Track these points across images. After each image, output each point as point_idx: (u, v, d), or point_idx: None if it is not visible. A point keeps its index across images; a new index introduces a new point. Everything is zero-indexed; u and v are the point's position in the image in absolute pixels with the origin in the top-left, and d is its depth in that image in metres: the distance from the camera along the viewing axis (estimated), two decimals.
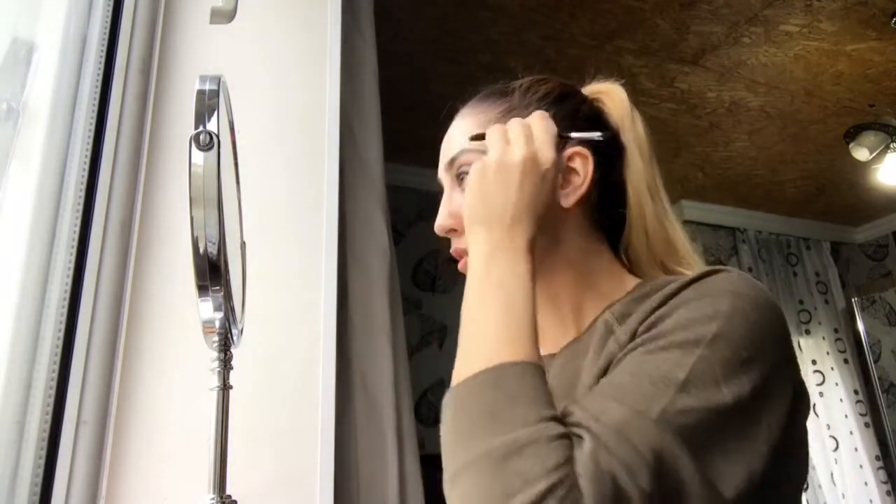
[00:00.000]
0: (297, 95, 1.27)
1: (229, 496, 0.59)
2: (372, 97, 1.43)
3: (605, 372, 0.54)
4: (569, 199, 0.65)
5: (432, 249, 3.06)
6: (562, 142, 0.65)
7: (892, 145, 2.86)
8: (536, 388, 0.48)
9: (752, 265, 3.72)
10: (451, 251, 0.69)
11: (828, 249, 4.03)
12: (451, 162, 0.68)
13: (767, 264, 3.80)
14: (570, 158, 0.65)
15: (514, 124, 0.62)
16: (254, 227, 0.88)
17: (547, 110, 0.66)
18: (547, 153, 0.59)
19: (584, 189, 0.65)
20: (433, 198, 0.73)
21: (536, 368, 0.50)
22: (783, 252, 3.91)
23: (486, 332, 0.52)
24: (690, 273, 0.65)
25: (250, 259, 0.78)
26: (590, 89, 0.75)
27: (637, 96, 2.63)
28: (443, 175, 0.70)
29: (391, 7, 2.06)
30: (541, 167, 0.59)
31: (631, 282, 0.66)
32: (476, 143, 0.66)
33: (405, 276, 2.97)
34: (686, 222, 3.70)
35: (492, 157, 0.59)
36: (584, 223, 0.67)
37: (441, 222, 0.69)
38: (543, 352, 0.67)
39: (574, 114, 0.68)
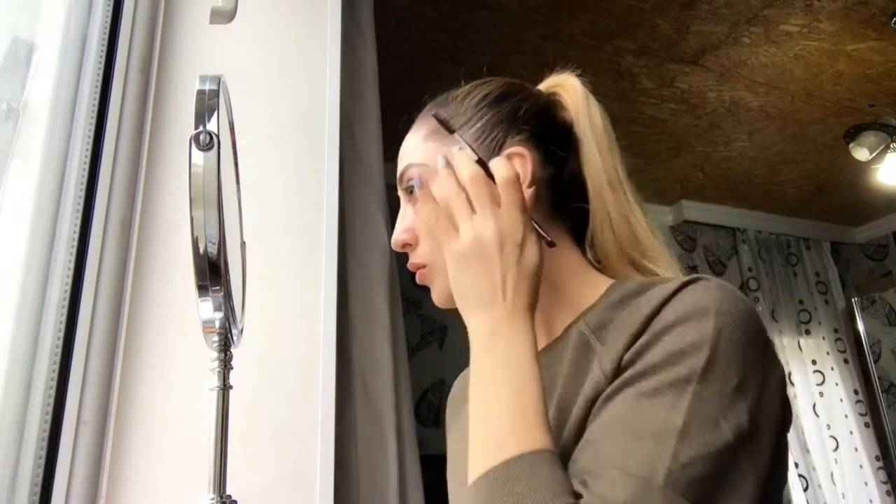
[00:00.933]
0: (297, 95, 1.27)
1: (229, 496, 0.59)
2: (372, 97, 1.43)
3: (592, 402, 0.53)
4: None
5: None
6: (498, 147, 0.65)
7: (892, 145, 2.86)
8: (547, 477, 0.47)
9: (752, 265, 3.72)
10: (408, 265, 0.69)
11: (828, 249, 4.03)
12: (400, 178, 0.69)
13: (767, 264, 3.80)
14: (509, 159, 0.62)
15: (476, 189, 0.57)
16: (254, 227, 0.88)
17: (483, 114, 0.66)
18: (514, 221, 0.57)
19: (529, 190, 0.63)
20: None
21: (546, 455, 0.48)
22: (783, 252, 3.91)
23: (493, 422, 0.51)
24: (660, 271, 0.64)
25: (250, 259, 0.78)
26: (546, 84, 0.74)
27: (637, 96, 2.64)
28: (399, 190, 0.71)
29: (391, 7, 2.06)
30: (515, 236, 0.56)
31: (602, 283, 0.65)
32: (422, 160, 0.66)
33: (405, 276, 2.97)
34: (686, 222, 3.70)
35: (464, 239, 0.57)
36: (542, 224, 0.65)
37: (396, 238, 0.69)
38: None
39: (513, 114, 0.67)
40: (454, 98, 0.69)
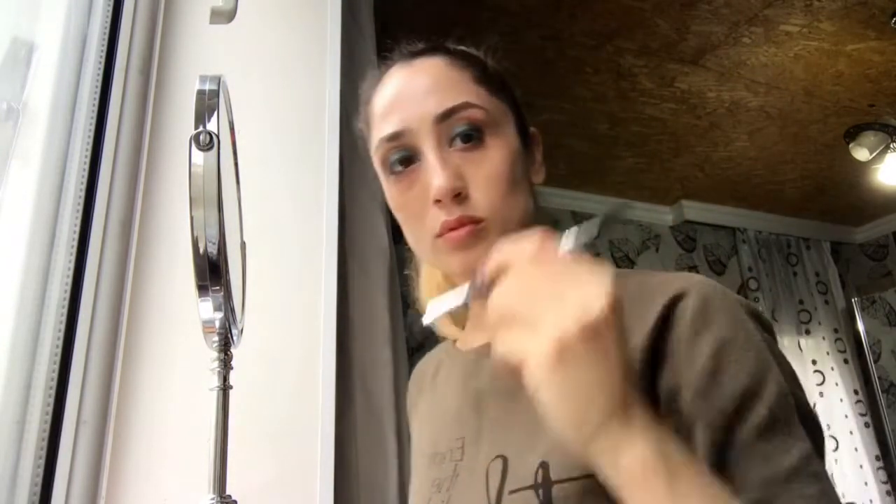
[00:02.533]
0: (298, 95, 1.27)
1: (229, 496, 0.59)
2: None
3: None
4: (538, 175, 0.67)
5: None
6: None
7: (892, 145, 2.86)
8: None
9: (752, 265, 3.72)
10: (454, 219, 0.57)
11: (828, 249, 4.03)
12: (449, 112, 0.59)
13: (767, 264, 3.79)
14: (534, 137, 0.68)
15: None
16: (254, 227, 0.88)
17: (509, 88, 0.67)
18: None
19: (542, 168, 0.67)
20: None
21: None
22: (783, 252, 3.91)
23: None
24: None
25: (250, 259, 0.78)
26: None
27: (637, 96, 2.64)
28: (418, 126, 0.59)
29: (391, 7, 2.06)
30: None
31: None
32: (482, 104, 0.59)
33: (405, 276, 2.97)
34: (686, 222, 3.70)
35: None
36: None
37: (449, 185, 0.57)
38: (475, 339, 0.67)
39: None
40: (489, 53, 0.68)
